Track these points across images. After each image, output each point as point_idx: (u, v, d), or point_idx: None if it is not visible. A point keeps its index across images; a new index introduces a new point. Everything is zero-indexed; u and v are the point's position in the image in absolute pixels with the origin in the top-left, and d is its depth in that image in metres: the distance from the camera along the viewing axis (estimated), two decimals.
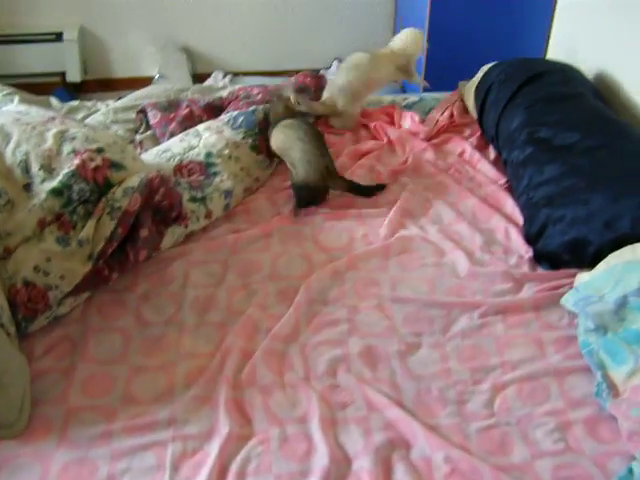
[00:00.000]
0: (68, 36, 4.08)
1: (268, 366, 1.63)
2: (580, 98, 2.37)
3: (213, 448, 1.44)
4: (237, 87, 2.84)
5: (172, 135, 2.45)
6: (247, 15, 4.30)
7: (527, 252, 2.00)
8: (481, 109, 2.61)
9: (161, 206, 1.92)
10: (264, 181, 2.36)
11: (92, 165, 1.85)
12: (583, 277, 1.79)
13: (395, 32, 4.13)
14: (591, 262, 1.83)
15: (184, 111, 2.55)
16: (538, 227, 2.00)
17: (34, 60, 4.11)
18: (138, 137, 2.55)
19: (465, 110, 2.77)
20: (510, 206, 2.19)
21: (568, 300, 1.76)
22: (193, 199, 2.07)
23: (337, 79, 2.69)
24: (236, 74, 4.31)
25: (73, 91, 4.17)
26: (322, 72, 4.01)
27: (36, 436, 1.46)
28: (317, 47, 4.43)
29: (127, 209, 1.81)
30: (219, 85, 3.20)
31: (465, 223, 2.12)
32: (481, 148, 2.55)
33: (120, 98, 2.91)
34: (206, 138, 2.31)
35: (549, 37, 3.35)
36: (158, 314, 1.80)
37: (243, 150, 2.32)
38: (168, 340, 1.72)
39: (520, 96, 2.45)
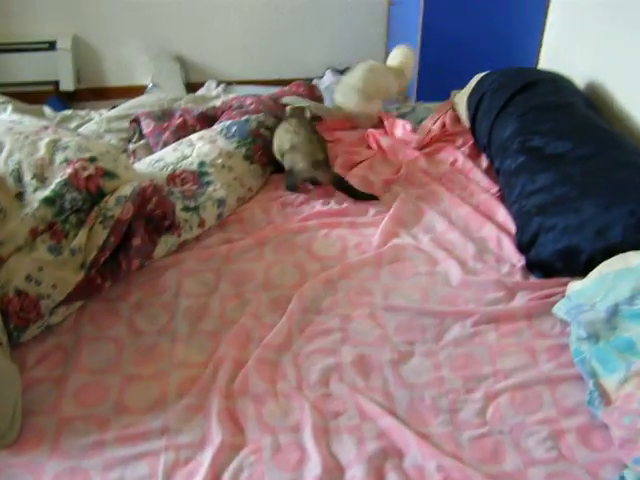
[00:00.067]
0: (61, 45, 4.08)
1: (261, 375, 1.63)
2: (572, 107, 2.38)
3: (206, 457, 1.43)
4: (230, 97, 2.85)
5: (165, 144, 2.45)
6: (240, 25, 4.32)
7: (519, 261, 2.00)
8: (473, 118, 2.62)
9: (154, 215, 1.92)
10: (257, 190, 2.36)
11: (85, 174, 1.85)
12: (575, 285, 1.80)
13: (388, 42, 4.17)
14: (583, 270, 1.84)
15: (177, 120, 2.55)
16: (530, 235, 2.01)
17: (27, 69, 4.11)
18: (131, 146, 2.56)
19: (457, 119, 2.78)
20: (502, 215, 2.19)
21: (560, 308, 1.77)
22: (186, 208, 2.07)
23: (350, 79, 2.80)
24: (229, 83, 4.31)
25: (66, 100, 4.17)
26: (315, 81, 4.02)
27: (28, 446, 1.46)
28: (310, 57, 4.44)
29: (120, 218, 1.81)
30: (212, 94, 3.20)
31: (457, 232, 2.12)
32: (473, 157, 2.56)
33: (113, 107, 2.91)
34: (199, 147, 2.32)
35: (541, 47, 3.37)
36: (151, 323, 1.79)
37: (236, 159, 2.33)
38: (161, 349, 1.72)
39: (512, 105, 2.46)
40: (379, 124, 2.80)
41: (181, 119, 2.56)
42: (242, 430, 1.51)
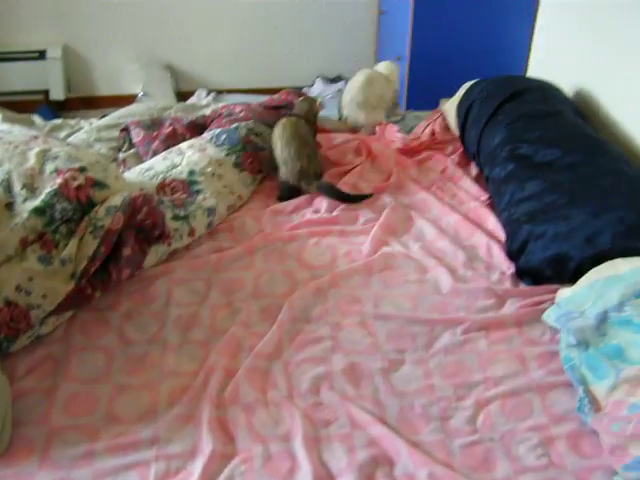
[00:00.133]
0: (51, 54, 4.08)
1: (251, 384, 1.63)
2: (560, 115, 2.40)
3: (196, 467, 1.43)
4: (220, 105, 2.85)
5: (155, 153, 2.45)
6: (230, 33, 4.33)
7: (509, 268, 2.01)
8: (463, 126, 2.63)
9: (144, 225, 1.92)
10: (247, 198, 2.37)
11: (75, 184, 1.85)
12: (564, 293, 1.81)
13: (378, 50, 4.19)
14: (572, 277, 1.85)
15: (167, 129, 2.55)
16: (520, 243, 2.01)
17: (17, 78, 4.10)
18: (121, 155, 2.55)
19: (447, 127, 2.79)
20: (492, 222, 2.20)
21: (550, 316, 1.77)
22: (176, 217, 2.07)
23: (354, 97, 2.87)
24: (220, 92, 4.32)
25: (56, 109, 4.17)
26: (305, 90, 4.03)
27: (18, 457, 1.45)
28: (300, 65, 4.45)
29: (110, 228, 1.81)
30: (202, 103, 3.20)
31: (447, 240, 2.13)
32: (463, 165, 2.57)
33: (104, 116, 2.91)
34: (189, 156, 2.32)
35: (529, 55, 3.39)
36: (141, 332, 1.79)
37: (226, 167, 2.33)
38: (151, 359, 1.71)
39: (501, 113, 2.47)
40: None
41: (171, 128, 2.56)
42: (233, 439, 1.50)
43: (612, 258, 1.80)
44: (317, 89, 4.17)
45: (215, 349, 1.72)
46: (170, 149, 2.41)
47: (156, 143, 2.50)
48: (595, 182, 2.04)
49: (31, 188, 1.84)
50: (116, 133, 2.68)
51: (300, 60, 4.45)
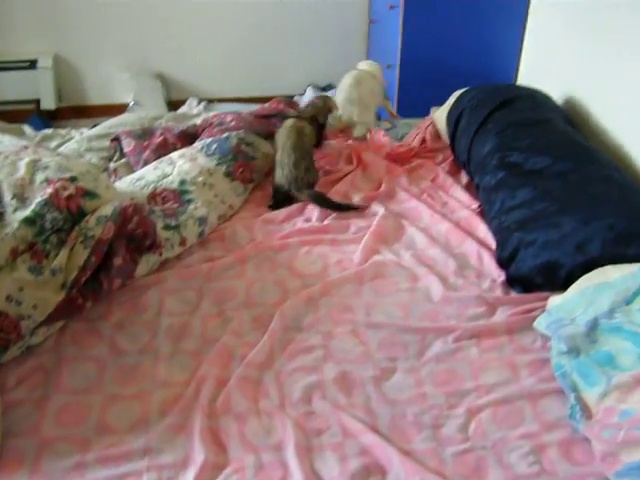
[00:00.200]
0: (42, 64, 4.08)
1: (243, 394, 1.62)
2: (550, 123, 2.41)
3: (188, 477, 1.43)
4: (211, 114, 2.85)
5: (146, 163, 2.45)
6: (221, 42, 4.33)
7: (500, 276, 2.02)
8: (453, 134, 2.64)
9: (135, 234, 1.92)
10: (239, 208, 2.37)
11: (65, 194, 1.85)
12: (555, 300, 1.81)
13: (368, 59, 4.19)
14: (563, 285, 1.86)
15: (158, 139, 2.55)
16: (510, 251, 2.02)
17: (8, 88, 4.09)
18: (112, 165, 2.55)
19: (437, 135, 2.79)
20: (483, 230, 2.21)
21: (541, 323, 1.78)
22: (167, 227, 2.07)
23: (347, 96, 2.91)
24: (211, 101, 4.32)
25: (48, 118, 4.16)
26: (296, 98, 4.03)
27: (8, 469, 1.44)
28: (291, 73, 4.46)
29: (100, 238, 1.81)
30: (193, 112, 3.21)
31: (438, 248, 2.13)
32: (453, 173, 2.58)
33: (95, 126, 2.91)
34: (180, 166, 2.32)
35: (519, 63, 3.41)
36: (133, 342, 1.79)
37: (217, 177, 2.33)
38: (143, 368, 1.71)
39: (491, 121, 2.48)
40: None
41: (162, 137, 2.56)
42: (225, 449, 1.50)
43: (602, 265, 1.81)
44: (308, 97, 4.17)
45: (206, 359, 1.72)
46: (161, 159, 2.41)
47: (147, 153, 2.50)
48: (585, 190, 2.05)
49: (21, 198, 1.84)
50: (107, 143, 2.68)
51: (291, 69, 4.46)
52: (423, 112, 2.97)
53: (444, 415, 1.59)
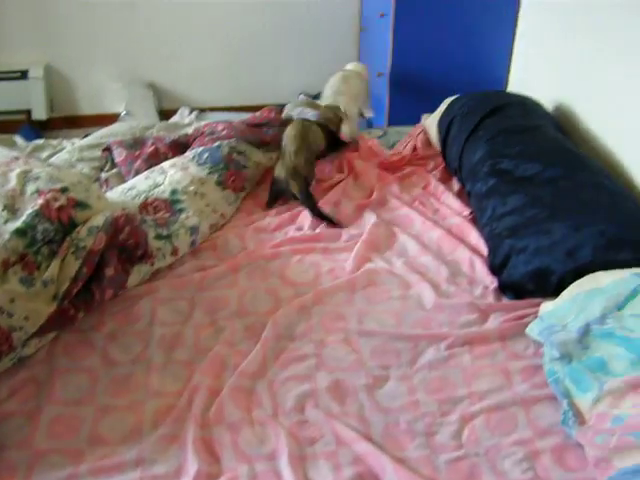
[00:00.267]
0: (33, 74, 4.07)
1: (236, 403, 1.62)
2: (540, 130, 2.42)
3: None
4: (202, 124, 2.85)
5: (137, 173, 2.45)
6: (213, 51, 4.34)
7: (492, 283, 2.02)
8: (444, 142, 2.64)
9: (127, 245, 1.92)
10: (230, 216, 2.36)
11: (56, 205, 1.84)
12: (547, 306, 1.82)
13: None
14: (555, 291, 1.86)
15: (149, 149, 2.55)
16: (502, 257, 2.02)
17: None
18: (104, 175, 2.55)
19: (428, 142, 2.80)
20: (474, 237, 2.21)
21: (533, 329, 1.78)
22: (159, 236, 2.07)
23: (336, 89, 2.97)
24: (202, 110, 4.32)
25: (39, 129, 4.16)
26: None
27: None
28: (283, 82, 4.47)
29: (92, 248, 1.81)
30: (185, 121, 3.21)
31: (430, 255, 2.13)
32: (445, 180, 2.58)
33: (86, 136, 2.91)
34: (171, 175, 2.32)
35: (509, 71, 3.42)
36: (125, 353, 1.78)
37: (209, 186, 2.33)
38: (136, 379, 1.71)
39: (482, 129, 2.49)
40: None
41: (153, 147, 2.56)
42: (218, 459, 1.50)
43: (593, 271, 1.81)
44: (300, 107, 4.18)
45: (199, 368, 1.72)
46: (152, 168, 2.41)
47: (138, 162, 2.50)
48: (576, 196, 2.06)
49: (12, 209, 1.83)
50: (98, 153, 2.68)
51: (282, 77, 4.46)
52: (414, 120, 2.98)
53: (437, 422, 1.59)
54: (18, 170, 1.94)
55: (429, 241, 2.21)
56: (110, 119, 3.82)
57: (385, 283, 2.03)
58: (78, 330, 1.83)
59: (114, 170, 2.57)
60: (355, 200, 2.44)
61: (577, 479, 1.45)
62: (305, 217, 2.33)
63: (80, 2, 4.04)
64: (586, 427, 1.49)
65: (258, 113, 2.89)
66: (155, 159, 2.50)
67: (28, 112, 4.16)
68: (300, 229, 2.30)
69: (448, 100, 2.79)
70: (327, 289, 1.99)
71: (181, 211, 2.19)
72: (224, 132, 2.62)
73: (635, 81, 2.30)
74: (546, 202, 2.07)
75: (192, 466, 1.46)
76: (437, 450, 1.52)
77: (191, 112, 4.29)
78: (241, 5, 4.20)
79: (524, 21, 3.26)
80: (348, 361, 1.75)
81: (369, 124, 3.69)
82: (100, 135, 2.85)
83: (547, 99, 2.88)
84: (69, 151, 2.72)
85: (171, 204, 2.21)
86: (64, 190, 1.89)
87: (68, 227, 1.85)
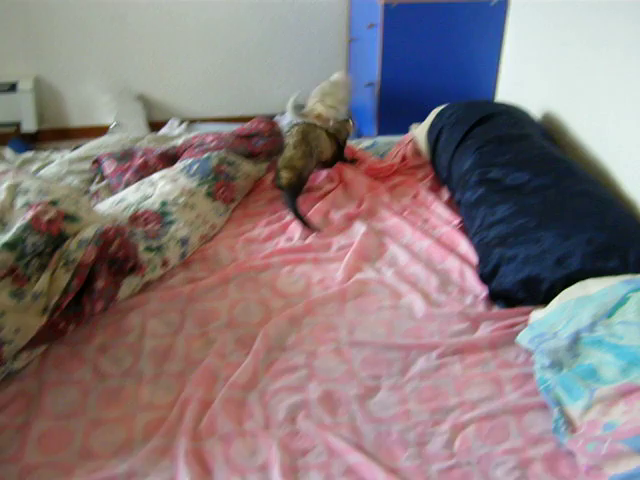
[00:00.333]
0: (23, 86, 4.07)
1: (227, 415, 1.62)
2: (528, 139, 2.43)
3: None
4: (191, 135, 2.86)
5: (127, 185, 2.45)
6: (202, 62, 4.34)
7: (482, 291, 2.03)
8: (433, 151, 2.66)
9: (117, 257, 1.92)
10: (221, 227, 2.36)
11: (46, 218, 1.84)
12: (537, 314, 1.82)
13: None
14: (545, 299, 1.87)
15: (139, 161, 2.55)
16: (492, 266, 2.03)
17: None
18: (94, 187, 2.55)
19: (418, 152, 2.81)
20: (464, 246, 2.22)
21: (523, 338, 1.79)
22: (149, 249, 2.07)
23: (321, 90, 2.98)
24: (192, 121, 4.33)
25: (29, 141, 4.15)
26: (277, 117, 4.05)
27: None
28: (272, 93, 4.47)
29: (82, 261, 1.80)
30: (174, 133, 3.22)
31: (421, 265, 2.14)
32: (435, 190, 2.59)
33: (76, 148, 2.90)
34: (161, 187, 2.32)
35: (497, 80, 3.44)
36: (116, 365, 1.78)
37: (198, 197, 2.33)
38: (126, 392, 1.70)
39: (470, 138, 2.50)
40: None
41: (142, 159, 2.56)
42: (210, 472, 1.49)
43: (582, 279, 1.82)
44: (289, 116, 4.19)
45: (190, 380, 1.71)
46: (142, 180, 2.41)
47: (128, 174, 2.50)
48: (564, 204, 2.07)
49: (1, 222, 1.83)
50: (88, 165, 2.67)
51: (272, 88, 4.47)
52: (403, 130, 2.99)
53: (429, 432, 1.59)
54: (7, 183, 1.94)
55: (419, 250, 2.22)
56: (100, 131, 3.82)
57: (376, 293, 2.04)
58: (68, 343, 1.83)
59: (104, 182, 2.57)
60: (345, 210, 2.44)
61: None
62: (295, 227, 2.33)
63: (69, 15, 4.04)
64: (577, 435, 1.49)
65: (247, 124, 2.90)
66: (145, 171, 2.50)
67: (17, 125, 4.15)
68: (290, 239, 2.30)
69: (437, 110, 2.80)
70: (318, 299, 2.00)
71: (171, 223, 2.19)
72: (213, 143, 2.62)
73: (621, 90, 2.32)
74: (535, 211, 2.08)
75: (184, 479, 1.45)
76: (429, 460, 1.52)
77: (181, 123, 4.29)
78: (230, 17, 4.21)
79: (511, 31, 3.28)
80: (339, 371, 1.75)
81: (358, 134, 3.70)
82: (90, 147, 2.85)
83: (535, 108, 2.90)
84: (58, 164, 2.71)
85: (161, 216, 2.21)
86: (54, 203, 1.89)
87: (58, 240, 1.85)
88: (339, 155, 2.73)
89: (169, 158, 2.61)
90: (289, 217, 2.39)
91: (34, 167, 2.72)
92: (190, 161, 2.48)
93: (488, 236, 2.11)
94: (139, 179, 2.44)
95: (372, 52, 3.52)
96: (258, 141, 2.69)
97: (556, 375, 1.62)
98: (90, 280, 1.84)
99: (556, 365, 1.63)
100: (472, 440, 1.56)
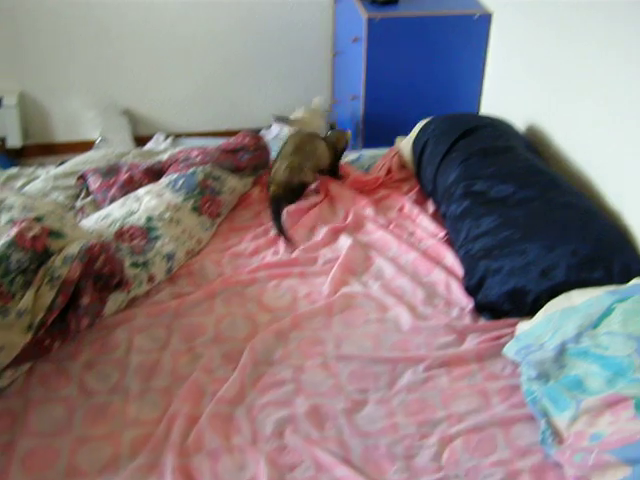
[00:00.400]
0: (7, 102, 4.05)
1: (215, 430, 1.61)
2: (513, 151, 2.44)
3: None
4: (177, 150, 2.85)
5: (113, 200, 2.44)
6: (187, 78, 4.35)
7: (468, 304, 2.03)
8: (418, 164, 2.66)
9: (102, 273, 1.91)
10: (206, 242, 2.36)
11: (30, 234, 1.83)
12: (523, 326, 1.83)
13: (333, 91, 4.25)
14: (530, 311, 1.88)
15: (124, 176, 2.55)
16: (477, 279, 2.04)
17: None
18: (79, 203, 2.54)
19: (403, 165, 2.81)
20: (450, 259, 2.22)
21: (510, 350, 1.79)
22: (135, 264, 2.06)
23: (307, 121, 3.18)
24: (178, 136, 4.32)
25: (14, 156, 4.14)
26: (263, 132, 4.05)
27: None
28: (257, 107, 4.48)
29: (67, 278, 1.79)
30: (160, 148, 3.21)
31: (407, 278, 2.14)
32: (420, 202, 2.60)
33: (61, 163, 2.89)
34: (147, 202, 2.31)
35: (481, 93, 3.46)
36: (102, 382, 1.77)
37: (184, 212, 2.33)
38: (113, 408, 1.69)
39: (455, 150, 2.51)
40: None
41: (128, 174, 2.55)
42: None
43: (568, 290, 1.83)
44: (275, 131, 4.20)
45: (177, 396, 1.71)
46: (127, 195, 2.41)
47: (113, 190, 2.49)
48: (548, 216, 2.08)
49: None
50: (73, 181, 2.66)
51: (257, 102, 4.48)
52: (388, 143, 3.00)
53: (417, 445, 1.59)
54: None
55: (405, 263, 2.22)
56: (85, 146, 3.81)
57: (362, 306, 2.04)
58: (54, 360, 1.81)
59: (89, 198, 2.56)
60: (331, 224, 2.44)
61: None
62: (282, 242, 2.33)
63: (54, 30, 4.04)
64: (564, 446, 1.50)
65: (233, 139, 2.90)
66: (130, 186, 2.49)
67: (2, 140, 4.14)
68: (277, 253, 2.29)
69: (422, 123, 2.81)
70: (304, 314, 1.99)
71: (157, 238, 2.19)
72: (199, 158, 2.62)
73: (605, 101, 2.34)
74: (520, 223, 2.09)
75: None
76: (417, 473, 1.52)
77: (166, 138, 4.29)
78: (215, 31, 4.21)
79: (495, 44, 3.30)
80: (326, 385, 1.76)
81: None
82: (75, 163, 2.84)
83: (519, 120, 2.92)
84: (44, 179, 2.70)
85: (147, 231, 2.20)
86: (38, 219, 1.88)
87: (43, 256, 1.84)
88: (335, 165, 2.74)
89: (155, 173, 2.60)
90: (273, 231, 2.39)
91: (19, 183, 2.70)
92: (176, 176, 2.47)
93: (473, 248, 2.11)
94: (125, 194, 2.43)
95: (357, 66, 3.53)
96: (243, 155, 2.69)
97: (543, 386, 1.62)
98: (75, 296, 1.83)
99: (543, 377, 1.64)
100: (460, 453, 1.57)
